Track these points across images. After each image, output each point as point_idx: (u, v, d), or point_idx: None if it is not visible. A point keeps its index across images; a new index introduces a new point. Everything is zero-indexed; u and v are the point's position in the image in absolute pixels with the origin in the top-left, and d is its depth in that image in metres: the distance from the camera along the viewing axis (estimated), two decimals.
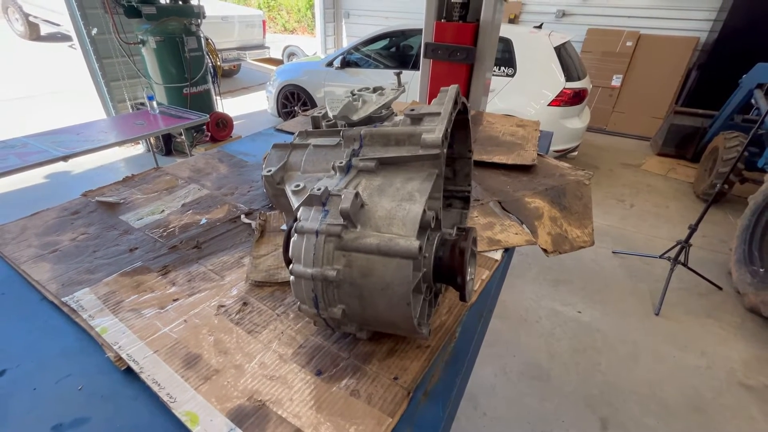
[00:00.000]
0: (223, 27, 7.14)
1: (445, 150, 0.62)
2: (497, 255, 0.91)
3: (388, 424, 0.54)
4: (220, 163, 1.36)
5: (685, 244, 2.68)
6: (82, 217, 1.01)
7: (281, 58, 9.11)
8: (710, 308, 2.60)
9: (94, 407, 0.58)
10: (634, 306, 2.61)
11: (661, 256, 2.84)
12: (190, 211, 1.06)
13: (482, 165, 1.40)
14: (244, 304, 0.76)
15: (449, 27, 2.03)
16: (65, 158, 2.34)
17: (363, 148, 0.67)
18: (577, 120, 4.15)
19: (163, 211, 1.05)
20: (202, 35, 4.13)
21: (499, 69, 4.03)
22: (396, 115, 0.84)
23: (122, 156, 4.45)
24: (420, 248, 0.52)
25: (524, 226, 1.04)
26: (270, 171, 0.71)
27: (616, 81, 5.72)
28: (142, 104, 4.13)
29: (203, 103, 4.34)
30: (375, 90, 0.80)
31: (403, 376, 0.61)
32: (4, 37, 8.70)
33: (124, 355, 0.64)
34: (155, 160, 3.46)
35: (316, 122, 0.81)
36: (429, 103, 2.39)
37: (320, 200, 0.57)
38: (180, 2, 4.03)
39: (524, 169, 1.37)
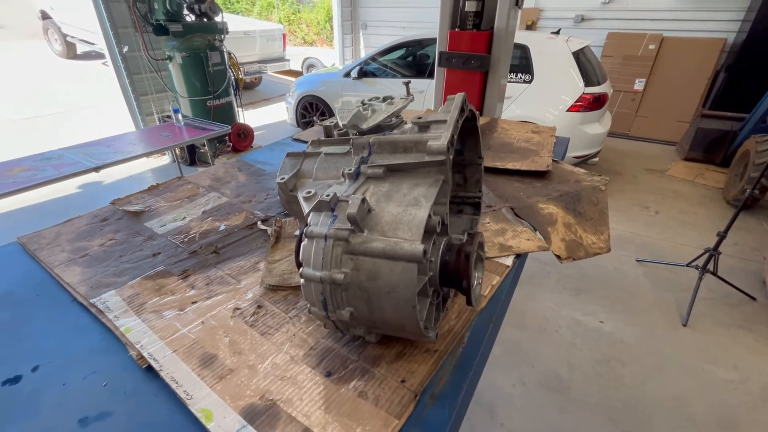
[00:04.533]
0: (245, 41, 7.40)
1: (451, 156, 0.63)
2: (508, 261, 0.91)
3: (395, 425, 0.55)
4: (239, 172, 1.41)
5: (714, 252, 2.57)
6: (110, 224, 1.07)
7: (301, 69, 9.34)
8: (742, 319, 2.48)
9: (117, 402, 0.61)
10: (660, 316, 2.51)
11: (688, 265, 2.73)
12: (210, 218, 1.11)
13: (496, 171, 1.40)
14: (259, 307, 0.79)
15: (463, 36, 2.05)
16: (96, 169, 2.47)
17: (372, 155, 0.69)
18: (598, 125, 4.07)
19: (185, 218, 1.10)
20: (224, 50, 4.29)
21: (516, 75, 4.01)
22: (406, 124, 0.86)
23: (150, 166, 4.64)
24: (425, 252, 0.53)
25: (537, 232, 1.03)
26: (283, 178, 0.74)
27: (638, 85, 5.58)
28: (168, 117, 4.32)
29: (225, 114, 4.49)
30: (385, 99, 0.82)
31: (410, 379, 0.62)
32: (44, 56, 9.28)
33: (145, 354, 0.67)
34: (180, 170, 3.60)
35: (328, 131, 0.84)
36: None
37: (329, 206, 0.59)
38: (205, 20, 4.21)
39: (538, 175, 1.36)
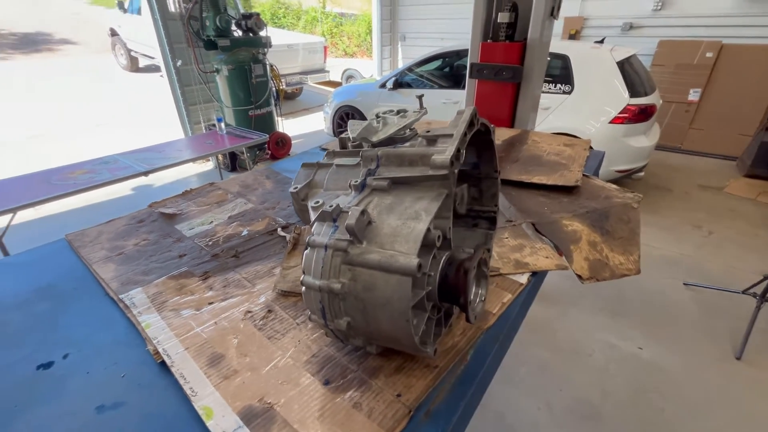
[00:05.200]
0: (289, 54, 7.74)
1: (456, 170, 0.62)
2: (523, 278, 0.88)
3: None
4: (267, 179, 1.47)
5: None
6: (145, 225, 1.15)
7: (340, 80, 9.60)
8: None
9: (131, 393, 0.66)
10: (709, 346, 2.30)
11: (744, 292, 2.49)
12: (235, 223, 1.16)
13: (521, 185, 1.37)
14: (269, 311, 0.81)
15: (496, 47, 2.02)
16: (146, 173, 2.67)
17: (380, 168, 0.70)
18: (644, 138, 3.84)
19: (212, 222, 1.16)
20: (267, 62, 4.52)
21: (555, 86, 3.89)
22: (419, 137, 0.86)
23: (195, 171, 4.94)
24: (419, 266, 0.53)
25: (556, 249, 0.99)
26: (296, 188, 0.77)
27: (693, 95, 5.22)
28: (213, 125, 4.59)
29: (266, 123, 4.71)
30: (398, 112, 0.83)
31: (406, 393, 0.62)
32: (111, 69, 10.21)
33: (160, 350, 0.71)
34: (220, 176, 3.80)
35: (343, 143, 0.86)
36: None
37: (331, 216, 0.61)
38: (250, 34, 4.47)
39: (566, 190, 1.31)
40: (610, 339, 2.35)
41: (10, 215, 2.19)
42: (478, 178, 0.91)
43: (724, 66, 4.94)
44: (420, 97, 0.88)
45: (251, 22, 4.36)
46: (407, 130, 0.81)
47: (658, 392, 2.02)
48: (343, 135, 0.89)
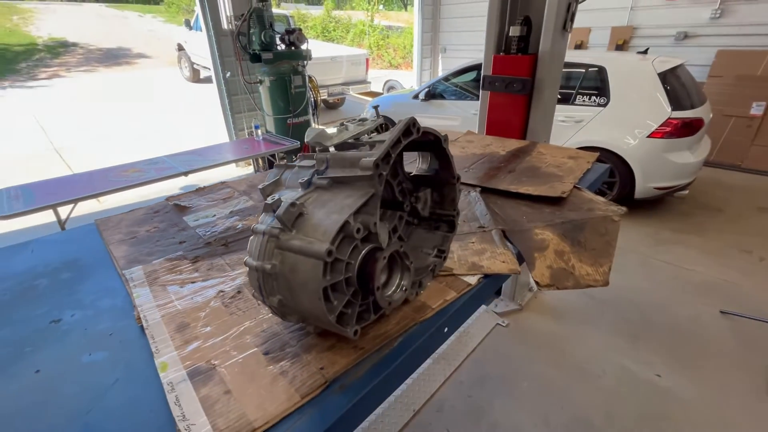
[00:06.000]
0: (332, 66, 8.10)
1: (383, 172, 0.70)
2: (473, 279, 0.92)
3: (296, 402, 0.63)
4: None
5: None
6: (159, 215, 1.32)
7: (381, 91, 9.85)
8: None
9: (113, 347, 0.79)
10: (740, 381, 2.11)
11: None
12: (234, 218, 1.31)
13: (509, 195, 1.39)
14: (238, 292, 0.93)
15: (507, 59, 2.05)
16: (186, 173, 2.97)
17: (328, 169, 0.79)
18: (688, 154, 3.59)
19: (214, 215, 1.31)
20: (306, 74, 4.79)
21: (589, 98, 3.77)
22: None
23: (238, 173, 5.32)
24: (329, 252, 0.61)
25: (518, 256, 1.02)
26: (263, 185, 0.88)
27: (756, 109, 4.78)
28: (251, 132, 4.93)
29: (303, 131, 4.97)
30: (360, 121, 0.92)
31: (329, 367, 0.69)
32: (177, 80, 11.26)
33: (142, 316, 0.85)
34: None
35: (312, 149, 0.96)
36: (486, 134, 2.40)
37: (272, 208, 0.71)
38: (293, 48, 4.78)
39: (552, 201, 1.32)
40: (625, 362, 2.24)
41: (72, 205, 2.55)
42: (440, 183, 0.98)
43: None
44: (376, 108, 0.96)
45: (293, 37, 4.66)
46: (364, 136, 0.90)
47: (672, 421, 1.90)
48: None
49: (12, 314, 0.90)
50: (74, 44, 13.77)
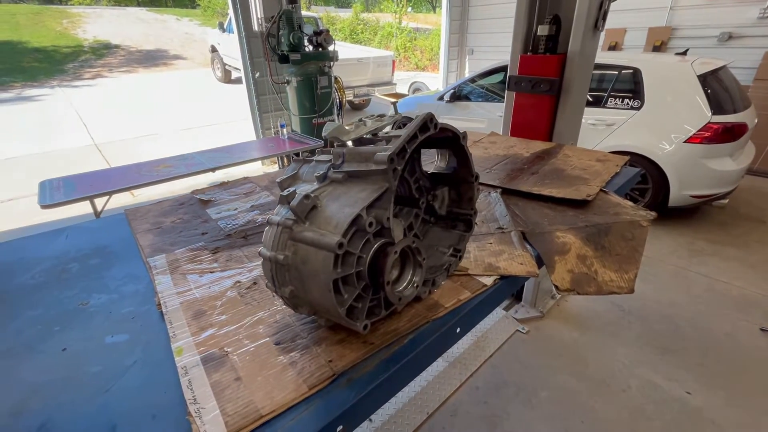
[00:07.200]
0: (359, 67, 8.16)
1: (397, 167, 0.70)
2: (488, 281, 0.90)
3: (303, 392, 0.63)
4: None
5: None
6: (184, 207, 1.37)
7: (407, 92, 9.85)
8: None
9: (134, 330, 0.83)
10: None
11: None
12: (255, 212, 1.33)
13: (531, 197, 1.36)
14: (254, 283, 0.94)
15: (534, 59, 2.01)
16: (213, 170, 3.06)
17: (344, 163, 0.79)
18: (729, 161, 3.39)
19: (236, 209, 1.35)
20: (332, 75, 4.85)
21: (622, 101, 3.63)
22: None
23: (264, 170, 5.45)
24: (340, 244, 0.61)
25: (535, 258, 0.99)
26: (281, 178, 0.89)
27: None
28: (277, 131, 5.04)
29: None
30: (379, 117, 0.92)
31: (337, 361, 0.69)
32: (209, 80, 11.67)
33: (162, 302, 0.88)
34: None
35: (330, 143, 0.97)
36: (510, 135, 2.36)
37: (287, 200, 0.72)
38: (320, 49, 4.85)
39: (576, 204, 1.27)
40: (654, 377, 2.13)
41: (107, 197, 2.68)
42: (458, 182, 0.96)
43: None
44: (394, 104, 0.96)
45: (321, 38, 4.74)
46: (381, 132, 0.89)
47: None
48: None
49: (45, 296, 0.96)
50: (116, 46, 14.52)
